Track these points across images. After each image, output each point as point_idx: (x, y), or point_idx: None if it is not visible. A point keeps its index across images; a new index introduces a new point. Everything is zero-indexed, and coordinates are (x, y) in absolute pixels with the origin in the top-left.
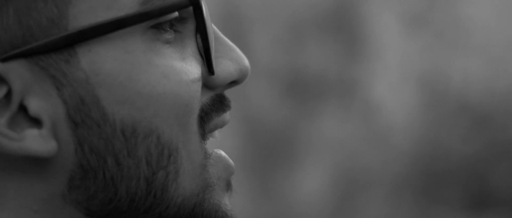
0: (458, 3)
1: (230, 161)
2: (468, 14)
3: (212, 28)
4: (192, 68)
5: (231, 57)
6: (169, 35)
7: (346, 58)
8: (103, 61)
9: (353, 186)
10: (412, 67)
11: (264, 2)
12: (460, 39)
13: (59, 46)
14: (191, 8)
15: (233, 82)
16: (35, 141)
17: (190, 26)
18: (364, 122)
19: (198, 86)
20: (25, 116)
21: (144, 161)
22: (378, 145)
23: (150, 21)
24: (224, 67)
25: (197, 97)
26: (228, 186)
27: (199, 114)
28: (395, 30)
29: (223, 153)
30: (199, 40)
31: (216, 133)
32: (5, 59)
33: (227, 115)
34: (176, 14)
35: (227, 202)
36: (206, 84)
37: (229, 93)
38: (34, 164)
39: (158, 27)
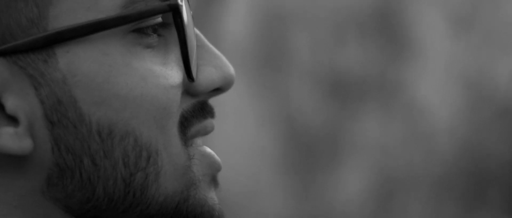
0: (504, 4)
1: (216, 157)
2: None
3: (196, 33)
4: (173, 73)
5: (215, 65)
6: (151, 40)
7: (389, 59)
8: (81, 62)
9: (395, 187)
10: (456, 68)
11: (306, 3)
12: (505, 41)
13: (38, 46)
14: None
15: (217, 90)
16: (10, 139)
17: (174, 32)
18: (407, 124)
19: (177, 91)
20: (2, 114)
21: (121, 162)
22: (420, 147)
23: (130, 24)
24: (206, 75)
25: (176, 101)
26: (213, 182)
27: (180, 119)
28: (440, 31)
29: (208, 150)
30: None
31: (199, 140)
32: None
33: (210, 122)
34: (158, 19)
35: (214, 196)
36: (189, 91)
37: (271, 94)
38: (12, 161)
39: (140, 31)
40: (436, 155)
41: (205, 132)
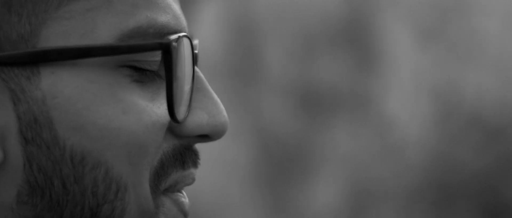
0: (471, 16)
1: (185, 205)
2: (481, 28)
3: (197, 75)
4: (159, 111)
5: (209, 111)
6: (143, 76)
7: (359, 71)
8: (64, 85)
9: (366, 199)
10: (424, 80)
11: (277, 16)
12: (472, 53)
13: (23, 61)
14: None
15: (205, 137)
16: None
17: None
18: (377, 135)
19: (159, 130)
20: None
21: (89, 191)
22: (391, 158)
23: (123, 57)
24: (196, 119)
25: (156, 141)
26: None
27: (156, 166)
28: (408, 43)
29: (180, 198)
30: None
31: (183, 192)
32: None
33: (190, 174)
34: (156, 57)
35: None
36: (173, 131)
37: (242, 106)
38: None
39: (134, 66)
40: (406, 165)
41: (184, 185)
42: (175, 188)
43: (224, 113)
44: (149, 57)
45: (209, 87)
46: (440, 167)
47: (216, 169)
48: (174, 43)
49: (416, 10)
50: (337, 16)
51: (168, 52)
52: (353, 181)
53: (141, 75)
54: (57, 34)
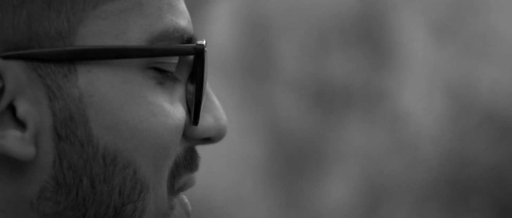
0: (486, 12)
1: (189, 206)
2: (495, 24)
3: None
4: (179, 114)
5: (214, 115)
6: (165, 77)
7: (372, 67)
8: (100, 84)
9: (380, 195)
10: (438, 76)
11: (290, 12)
12: (487, 49)
13: (61, 58)
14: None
15: (208, 140)
16: (15, 142)
17: (184, 73)
18: (391, 131)
19: (179, 133)
20: (11, 116)
21: (117, 191)
22: (404, 154)
23: (153, 59)
24: (205, 122)
25: (176, 144)
26: None
27: (172, 167)
28: (422, 39)
29: (186, 199)
30: (190, 87)
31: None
32: (6, 57)
33: (194, 176)
34: (176, 59)
35: None
36: (185, 134)
37: (255, 103)
38: (10, 165)
39: (159, 68)
40: (420, 162)
41: (189, 187)
42: (182, 189)
43: (225, 116)
44: (171, 60)
45: (211, 91)
46: (454, 163)
47: (230, 165)
48: (206, 48)
49: (430, 6)
50: (351, 12)
51: (201, 57)
52: (367, 177)
53: (163, 77)
54: (93, 33)
